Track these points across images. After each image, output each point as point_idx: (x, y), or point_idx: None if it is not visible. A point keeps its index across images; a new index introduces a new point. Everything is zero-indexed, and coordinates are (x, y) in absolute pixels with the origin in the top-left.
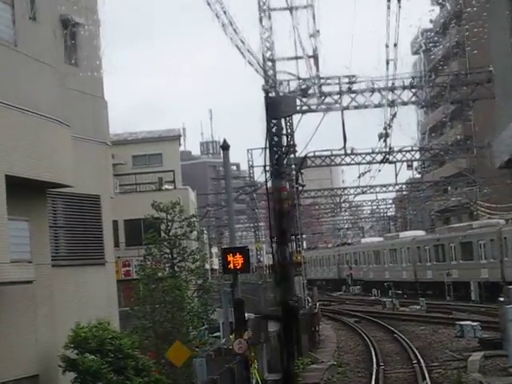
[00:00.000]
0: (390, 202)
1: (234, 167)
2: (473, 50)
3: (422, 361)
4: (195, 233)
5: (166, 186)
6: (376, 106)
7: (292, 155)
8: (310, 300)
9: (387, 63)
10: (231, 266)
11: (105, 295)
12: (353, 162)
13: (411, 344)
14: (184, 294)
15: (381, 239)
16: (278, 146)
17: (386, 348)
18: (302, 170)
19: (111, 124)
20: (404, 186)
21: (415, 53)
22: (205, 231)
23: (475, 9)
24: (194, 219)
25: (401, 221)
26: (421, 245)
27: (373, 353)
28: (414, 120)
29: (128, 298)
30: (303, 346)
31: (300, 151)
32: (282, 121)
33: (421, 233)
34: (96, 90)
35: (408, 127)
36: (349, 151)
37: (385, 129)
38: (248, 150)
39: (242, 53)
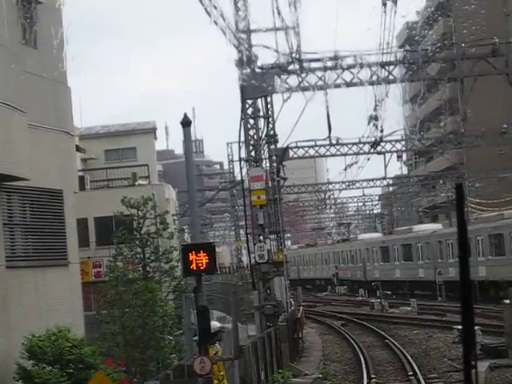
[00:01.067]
0: (377, 198)
1: (218, 166)
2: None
3: (418, 372)
4: (173, 230)
5: (140, 182)
6: (365, 84)
7: (273, 146)
8: (292, 302)
9: (383, 4)
10: (193, 266)
11: (68, 299)
12: (338, 152)
13: (405, 351)
14: (156, 296)
15: (379, 235)
16: (255, 130)
17: (376, 355)
18: (284, 163)
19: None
20: (391, 181)
21: (401, 46)
22: (186, 230)
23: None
24: (174, 217)
25: (387, 218)
26: (442, 239)
27: (363, 362)
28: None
29: (99, 301)
30: (284, 356)
31: (283, 142)
32: (260, 102)
33: (437, 226)
34: (58, 74)
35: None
36: (334, 141)
37: (375, 109)
38: (228, 144)
39: (211, 16)
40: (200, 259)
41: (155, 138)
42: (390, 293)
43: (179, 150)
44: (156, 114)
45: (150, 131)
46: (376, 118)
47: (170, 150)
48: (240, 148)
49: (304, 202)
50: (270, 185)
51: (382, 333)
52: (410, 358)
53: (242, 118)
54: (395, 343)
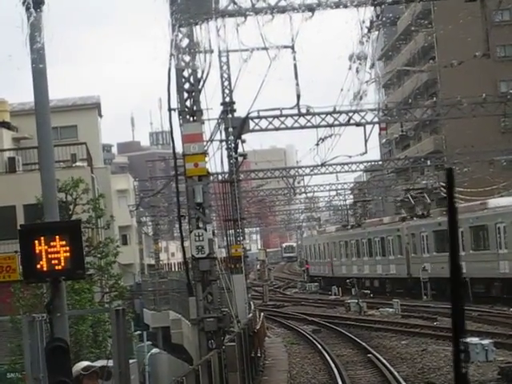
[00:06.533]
0: (350, 188)
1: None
2: None
3: None
4: (109, 219)
5: (78, 164)
6: (349, 4)
7: (230, 115)
8: (252, 306)
9: None
10: (43, 264)
11: None
12: (309, 124)
13: (395, 371)
14: (86, 299)
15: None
16: (191, 70)
17: (358, 377)
18: (247, 155)
19: None
20: (368, 165)
21: None
22: (148, 222)
23: None
24: (130, 207)
25: (361, 210)
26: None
27: None
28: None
29: (14, 306)
30: None
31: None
32: (197, 31)
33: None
34: None
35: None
36: (304, 111)
37: (361, 41)
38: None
39: None
40: (55, 252)
41: (100, 115)
42: (368, 292)
43: (145, 141)
44: (123, 104)
45: (93, 107)
46: (364, 57)
47: (136, 142)
48: (170, 95)
49: (271, 190)
50: (226, 164)
51: (363, 344)
52: (403, 382)
53: (172, 54)
54: (381, 359)
